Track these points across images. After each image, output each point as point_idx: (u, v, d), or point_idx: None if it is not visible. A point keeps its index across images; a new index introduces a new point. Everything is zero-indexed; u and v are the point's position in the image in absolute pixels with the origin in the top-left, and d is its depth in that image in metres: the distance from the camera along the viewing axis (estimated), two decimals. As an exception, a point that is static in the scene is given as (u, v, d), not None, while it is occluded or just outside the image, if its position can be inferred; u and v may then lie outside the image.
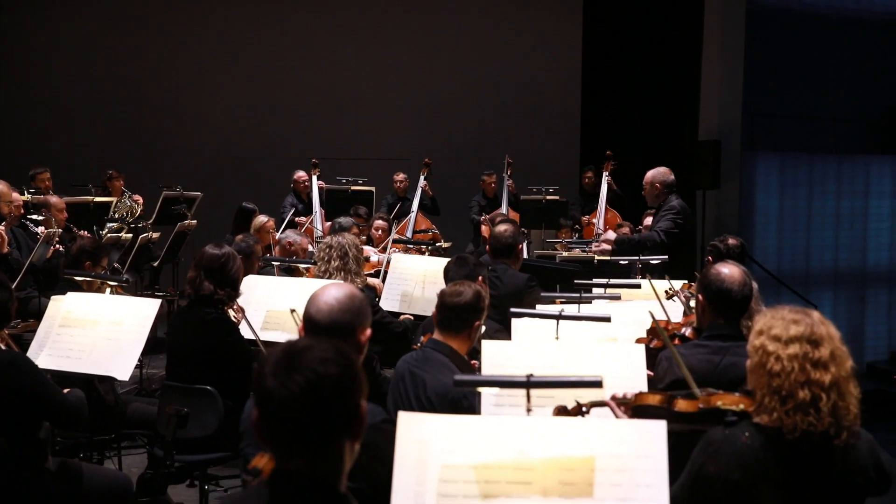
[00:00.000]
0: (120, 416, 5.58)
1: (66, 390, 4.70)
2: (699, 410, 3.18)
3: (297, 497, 2.17)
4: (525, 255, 9.61)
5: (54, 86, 14.10)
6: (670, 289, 5.62)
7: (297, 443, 2.18)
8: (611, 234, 8.27)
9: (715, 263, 4.27)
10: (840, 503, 2.96)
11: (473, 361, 4.50)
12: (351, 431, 2.23)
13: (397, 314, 7.00)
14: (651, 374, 4.14)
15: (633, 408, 3.32)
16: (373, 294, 7.12)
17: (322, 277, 6.25)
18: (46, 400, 4.34)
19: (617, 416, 3.34)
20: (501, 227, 6.73)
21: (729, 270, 4.06)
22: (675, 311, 5.37)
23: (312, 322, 3.26)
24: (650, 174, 7.91)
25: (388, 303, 7.09)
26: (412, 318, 6.97)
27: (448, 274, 5.66)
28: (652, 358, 4.27)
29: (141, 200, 10.89)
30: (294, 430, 2.16)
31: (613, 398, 3.35)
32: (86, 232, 8.65)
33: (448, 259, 6.15)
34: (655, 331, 4.71)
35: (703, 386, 3.37)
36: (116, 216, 10.32)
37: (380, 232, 9.44)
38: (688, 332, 4.44)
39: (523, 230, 10.10)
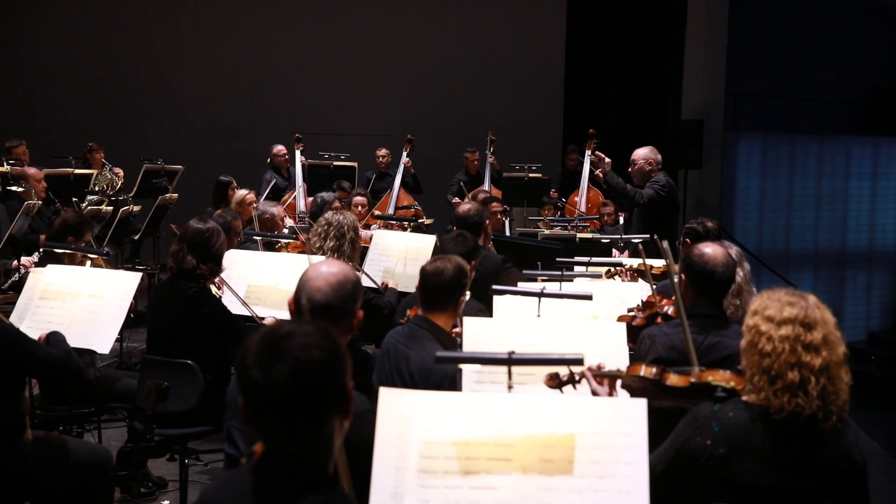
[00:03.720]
0: (100, 390, 5.57)
1: (43, 334, 4.69)
2: (690, 385, 3.20)
3: (285, 479, 2.15)
4: (507, 233, 9.63)
5: (35, 57, 14.02)
6: (610, 269, 5.68)
7: (285, 428, 2.16)
8: (608, 165, 8.23)
9: (696, 244, 4.27)
10: (823, 485, 2.97)
11: (455, 329, 4.48)
12: (340, 410, 2.21)
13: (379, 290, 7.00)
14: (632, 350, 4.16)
15: (626, 378, 3.34)
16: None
17: (314, 254, 6.21)
18: (30, 359, 4.33)
19: (592, 388, 3.35)
20: (465, 207, 6.61)
21: (712, 251, 4.06)
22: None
23: (304, 307, 3.22)
24: (641, 153, 7.94)
25: (370, 279, 7.09)
26: (397, 286, 6.93)
27: (444, 248, 5.62)
28: (633, 336, 4.28)
29: (121, 173, 10.80)
30: (281, 417, 2.14)
31: (590, 370, 3.36)
32: (65, 207, 8.59)
33: (433, 233, 6.11)
34: (639, 308, 4.74)
35: (685, 365, 3.39)
36: (97, 189, 10.25)
37: (359, 208, 9.41)
38: (670, 310, 4.46)
39: (505, 207, 10.10)
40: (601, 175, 8.22)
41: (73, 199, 8.75)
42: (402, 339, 4.47)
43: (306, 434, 2.17)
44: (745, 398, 3.02)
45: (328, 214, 6.50)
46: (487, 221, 6.56)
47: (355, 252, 6.44)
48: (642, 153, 7.96)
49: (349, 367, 2.22)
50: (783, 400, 2.92)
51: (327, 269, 3.28)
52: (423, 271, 4.49)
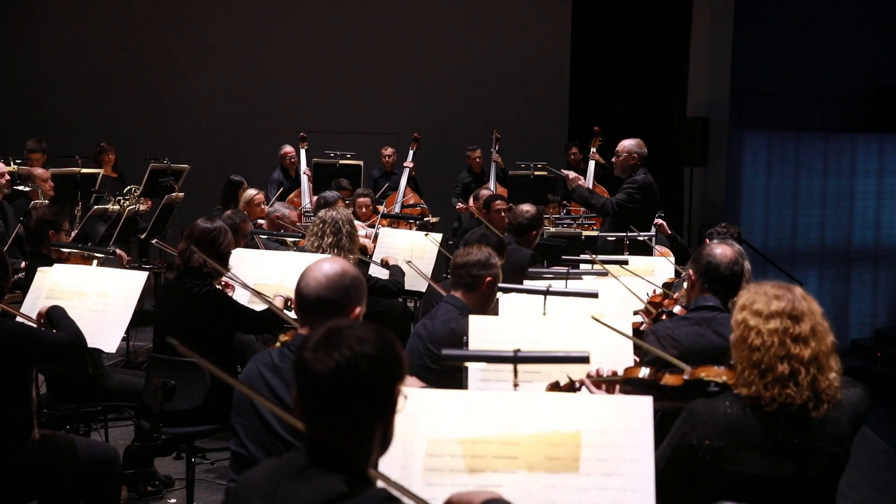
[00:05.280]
0: (106, 389, 5.57)
1: (42, 309, 4.71)
2: (684, 383, 3.22)
3: (321, 462, 2.20)
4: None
5: (41, 57, 14.03)
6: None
7: (327, 418, 2.21)
8: (577, 180, 8.26)
9: (711, 243, 4.35)
10: (820, 472, 3.00)
11: None
12: (383, 414, 2.24)
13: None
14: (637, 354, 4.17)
15: (623, 381, 3.34)
16: (363, 254, 7.21)
17: (316, 253, 6.25)
18: (38, 350, 4.35)
19: (592, 393, 3.37)
20: (525, 207, 6.97)
21: (722, 249, 4.14)
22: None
23: (301, 297, 3.25)
24: (628, 144, 7.94)
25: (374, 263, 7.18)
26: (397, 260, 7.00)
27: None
28: (638, 336, 4.30)
29: (150, 204, 10.51)
30: (325, 404, 2.20)
31: (589, 376, 3.38)
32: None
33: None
34: (646, 311, 4.78)
35: (689, 356, 3.41)
36: (123, 206, 10.09)
37: (363, 209, 9.43)
38: (677, 308, 4.49)
39: (511, 205, 10.06)
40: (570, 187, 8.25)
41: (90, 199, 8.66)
42: (430, 316, 4.74)
43: (344, 427, 2.20)
44: (737, 392, 3.05)
45: (321, 213, 6.61)
46: (535, 232, 6.75)
47: (354, 244, 6.53)
48: (628, 145, 7.95)
49: (403, 375, 2.27)
50: (774, 392, 2.96)
51: (328, 264, 3.31)
52: (454, 254, 4.85)
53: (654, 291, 5.35)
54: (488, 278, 4.68)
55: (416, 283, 7.16)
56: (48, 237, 6.08)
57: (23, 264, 6.74)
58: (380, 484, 2.26)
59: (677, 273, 6.05)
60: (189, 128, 13.88)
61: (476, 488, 2.58)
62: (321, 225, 6.45)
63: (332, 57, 14.27)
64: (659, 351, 3.63)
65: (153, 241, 7.85)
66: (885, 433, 7.79)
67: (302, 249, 6.84)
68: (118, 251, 6.69)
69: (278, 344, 3.77)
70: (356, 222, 8.41)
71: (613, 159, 8.08)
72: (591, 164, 11.02)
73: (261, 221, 8.44)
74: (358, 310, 3.26)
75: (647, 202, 7.83)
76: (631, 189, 7.75)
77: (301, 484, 2.19)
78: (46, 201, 8.14)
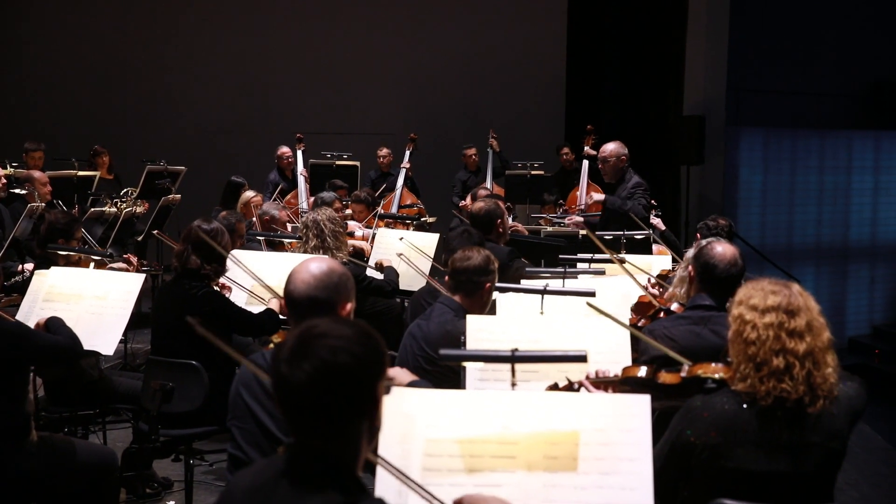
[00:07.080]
0: (104, 391, 5.57)
1: (41, 320, 4.72)
2: (682, 381, 3.22)
3: (310, 472, 2.18)
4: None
5: (38, 60, 14.03)
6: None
7: (310, 426, 2.18)
8: (599, 196, 8.29)
9: (709, 241, 4.34)
10: (817, 467, 3.02)
11: None
12: (367, 412, 2.22)
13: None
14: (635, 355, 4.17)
15: (620, 381, 3.35)
16: (360, 257, 7.20)
17: None
18: (35, 349, 4.36)
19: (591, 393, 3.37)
20: (477, 206, 6.75)
21: (722, 249, 4.13)
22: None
23: (291, 299, 3.25)
24: (613, 148, 7.93)
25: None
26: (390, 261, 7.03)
27: (450, 244, 5.75)
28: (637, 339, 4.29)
29: (147, 206, 10.50)
30: (305, 415, 2.17)
31: (588, 378, 3.38)
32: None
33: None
34: (642, 308, 4.77)
35: (686, 355, 3.41)
36: (121, 209, 10.08)
37: (360, 211, 9.44)
38: (674, 306, 4.49)
39: (508, 204, 10.06)
40: (600, 205, 8.29)
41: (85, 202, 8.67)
42: (425, 317, 4.73)
43: (329, 433, 2.18)
44: (734, 387, 3.06)
45: (303, 218, 6.61)
46: (499, 220, 6.62)
47: (341, 242, 6.53)
48: (615, 149, 7.94)
49: (383, 370, 2.23)
50: (769, 386, 2.97)
51: (314, 263, 3.29)
52: (452, 258, 4.81)
53: (648, 287, 5.33)
54: (488, 284, 4.71)
55: (412, 283, 7.16)
56: (58, 245, 6.07)
57: (19, 267, 6.74)
58: (378, 481, 2.26)
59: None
60: (185, 130, 13.88)
61: (475, 489, 2.58)
62: (304, 230, 6.50)
63: (329, 58, 14.27)
64: (658, 344, 3.63)
65: (154, 232, 7.83)
66: (883, 430, 7.79)
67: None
68: (131, 257, 6.68)
69: (271, 346, 3.77)
70: (353, 223, 8.44)
71: (600, 165, 8.05)
72: (585, 163, 10.97)
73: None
74: (349, 306, 3.25)
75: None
76: (640, 193, 7.79)
77: (291, 490, 2.17)
78: (43, 204, 8.13)
